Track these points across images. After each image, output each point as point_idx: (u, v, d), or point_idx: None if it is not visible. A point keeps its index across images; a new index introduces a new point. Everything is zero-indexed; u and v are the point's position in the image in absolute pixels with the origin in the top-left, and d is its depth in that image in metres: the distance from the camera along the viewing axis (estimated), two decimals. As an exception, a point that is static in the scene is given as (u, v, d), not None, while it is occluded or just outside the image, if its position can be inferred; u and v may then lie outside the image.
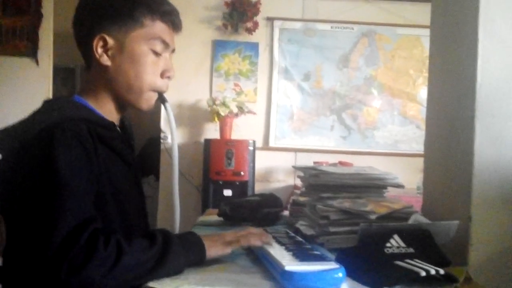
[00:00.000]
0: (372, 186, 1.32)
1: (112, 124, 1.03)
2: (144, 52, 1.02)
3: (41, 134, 0.86)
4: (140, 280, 0.83)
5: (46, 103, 0.99)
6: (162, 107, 1.10)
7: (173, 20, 1.06)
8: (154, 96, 1.06)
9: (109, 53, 1.01)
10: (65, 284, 0.75)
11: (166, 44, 1.05)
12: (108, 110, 1.05)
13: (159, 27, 1.03)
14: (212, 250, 0.96)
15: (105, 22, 1.00)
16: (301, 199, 1.43)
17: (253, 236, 1.02)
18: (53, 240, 0.77)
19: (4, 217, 0.91)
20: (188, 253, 0.90)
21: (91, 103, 1.03)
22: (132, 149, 1.12)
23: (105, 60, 1.01)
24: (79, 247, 0.77)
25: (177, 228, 1.14)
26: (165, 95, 1.09)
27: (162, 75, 1.05)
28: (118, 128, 1.09)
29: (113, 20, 1.00)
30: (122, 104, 1.06)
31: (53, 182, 0.82)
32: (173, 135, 1.15)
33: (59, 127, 0.87)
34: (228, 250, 0.98)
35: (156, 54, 1.03)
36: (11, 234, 0.90)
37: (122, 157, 1.03)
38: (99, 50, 1.00)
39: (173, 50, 1.08)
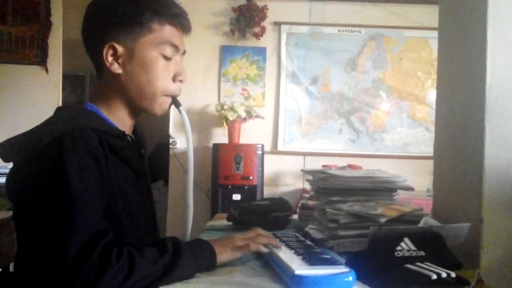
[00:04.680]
0: (382, 189, 1.31)
1: (122, 133, 1.01)
2: (154, 57, 1.01)
3: (52, 143, 0.86)
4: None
5: (58, 111, 0.99)
6: (175, 111, 1.09)
7: (182, 22, 1.05)
8: (168, 100, 1.05)
9: (120, 60, 1.00)
10: None
11: (176, 48, 1.04)
12: (120, 118, 1.04)
13: (168, 31, 1.02)
14: (223, 256, 0.97)
15: (113, 30, 0.99)
16: (310, 202, 1.43)
17: (262, 238, 1.03)
18: (67, 254, 0.77)
19: (15, 224, 0.91)
20: (198, 260, 0.91)
21: (103, 111, 1.02)
22: (141, 157, 1.10)
23: (116, 68, 1.00)
24: (92, 261, 0.78)
25: (188, 233, 1.15)
26: (175, 99, 1.09)
27: (174, 79, 1.04)
28: (131, 135, 1.08)
29: (121, 27, 0.99)
30: (135, 111, 1.06)
31: (64, 193, 0.82)
32: (188, 139, 1.13)
33: (70, 137, 0.87)
34: (238, 255, 0.99)
35: (167, 58, 1.02)
36: (22, 242, 0.91)
37: (131, 166, 1.02)
38: (109, 59, 0.99)
39: (184, 52, 1.07)
